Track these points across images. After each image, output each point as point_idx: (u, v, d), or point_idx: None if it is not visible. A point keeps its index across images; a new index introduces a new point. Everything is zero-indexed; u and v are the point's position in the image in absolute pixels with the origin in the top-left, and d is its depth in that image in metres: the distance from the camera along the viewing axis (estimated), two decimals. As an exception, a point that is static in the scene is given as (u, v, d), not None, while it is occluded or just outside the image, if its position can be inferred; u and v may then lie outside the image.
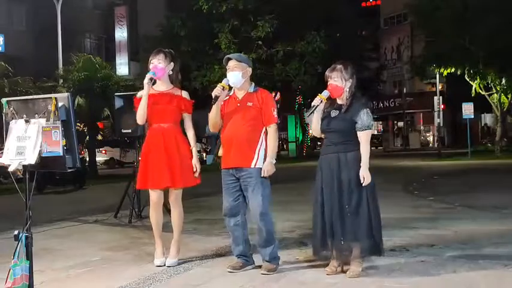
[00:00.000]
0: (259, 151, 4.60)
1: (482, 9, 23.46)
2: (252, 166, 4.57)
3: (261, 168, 4.58)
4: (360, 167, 4.36)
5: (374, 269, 4.57)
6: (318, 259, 4.65)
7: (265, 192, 4.59)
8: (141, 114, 4.89)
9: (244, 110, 4.62)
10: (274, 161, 4.59)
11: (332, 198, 4.39)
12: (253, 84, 4.77)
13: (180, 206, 4.99)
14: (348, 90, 4.50)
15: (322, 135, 4.66)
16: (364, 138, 4.42)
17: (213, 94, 4.60)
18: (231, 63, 4.68)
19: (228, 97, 4.72)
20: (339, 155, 4.41)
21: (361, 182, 4.33)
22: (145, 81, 4.82)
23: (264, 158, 4.61)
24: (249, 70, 4.74)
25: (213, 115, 4.73)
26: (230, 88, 4.70)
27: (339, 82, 4.47)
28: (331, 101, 4.55)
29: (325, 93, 4.46)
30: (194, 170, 4.93)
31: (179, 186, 4.92)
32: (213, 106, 4.67)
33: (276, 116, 4.68)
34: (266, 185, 4.61)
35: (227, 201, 4.71)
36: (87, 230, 7.50)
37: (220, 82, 4.69)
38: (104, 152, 28.04)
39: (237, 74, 4.63)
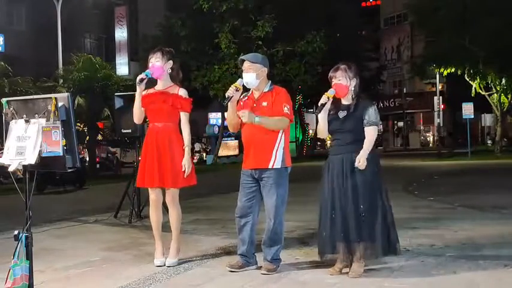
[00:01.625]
0: (276, 152, 4.59)
1: (482, 9, 23.46)
2: (270, 167, 4.57)
3: (279, 169, 4.58)
4: (372, 167, 4.39)
5: (374, 269, 4.57)
6: (324, 262, 4.63)
7: (281, 192, 4.60)
8: (136, 114, 4.97)
9: (260, 110, 4.59)
10: (257, 119, 4.47)
11: (346, 199, 4.37)
12: (269, 82, 4.75)
13: (177, 206, 4.97)
14: (352, 89, 4.50)
15: (328, 137, 4.65)
16: (370, 133, 4.41)
17: (226, 94, 4.60)
18: (245, 64, 4.67)
19: (246, 98, 4.73)
20: (353, 155, 4.39)
21: (357, 164, 4.32)
22: (136, 81, 4.83)
23: (281, 158, 4.61)
24: (265, 70, 4.70)
25: (229, 116, 4.73)
26: (248, 89, 4.71)
27: (344, 81, 4.46)
28: (336, 102, 4.53)
29: (331, 92, 4.45)
30: (183, 169, 4.84)
31: (168, 186, 4.89)
32: (228, 107, 4.66)
33: (287, 112, 4.59)
34: (283, 187, 4.62)
35: (240, 201, 4.72)
36: (87, 230, 7.50)
37: (232, 83, 4.69)
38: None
39: (250, 75, 4.62)
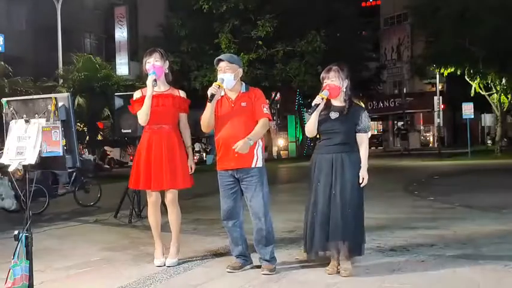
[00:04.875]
0: (257, 151, 4.60)
1: (482, 8, 23.45)
2: (253, 166, 4.57)
3: (261, 168, 4.60)
4: (359, 168, 4.44)
5: (374, 268, 4.58)
6: (310, 260, 4.67)
7: (265, 191, 4.61)
8: (145, 115, 4.84)
9: (239, 111, 4.60)
10: (251, 143, 4.50)
11: (334, 198, 4.40)
12: (244, 84, 4.76)
13: (177, 207, 4.99)
14: (344, 90, 4.56)
15: (316, 136, 4.68)
16: (365, 140, 4.54)
17: (209, 92, 4.55)
18: (223, 65, 4.65)
19: (219, 97, 4.68)
20: (342, 155, 4.44)
21: (361, 182, 4.40)
22: (150, 82, 4.77)
23: (262, 157, 4.63)
24: (240, 71, 4.72)
25: (208, 115, 4.66)
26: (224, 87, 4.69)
27: (337, 82, 4.52)
28: (327, 102, 4.58)
29: (325, 93, 4.50)
30: (189, 170, 4.93)
31: (180, 187, 4.93)
32: (208, 105, 4.62)
33: (267, 112, 4.66)
34: (265, 185, 4.63)
35: (226, 203, 4.71)
36: (87, 230, 7.50)
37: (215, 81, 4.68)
38: (103, 152, 27.99)
39: (229, 76, 4.60)
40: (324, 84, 4.55)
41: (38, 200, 9.24)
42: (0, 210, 8.92)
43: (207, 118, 4.67)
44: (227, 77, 4.60)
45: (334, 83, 4.51)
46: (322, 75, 4.59)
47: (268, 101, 4.81)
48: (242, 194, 4.68)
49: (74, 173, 10.26)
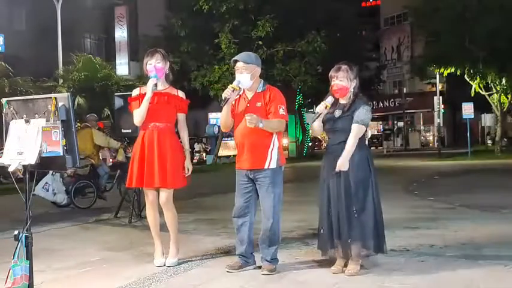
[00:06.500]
0: (271, 152, 4.58)
1: (482, 7, 23.48)
2: (266, 167, 4.56)
3: (275, 168, 4.58)
4: (365, 167, 4.40)
5: (374, 269, 4.57)
6: (326, 259, 4.66)
7: (277, 192, 4.60)
8: (141, 116, 4.85)
9: (253, 111, 4.54)
10: (261, 124, 4.42)
11: (338, 198, 4.40)
12: (262, 82, 4.73)
13: (172, 207, 4.96)
14: (352, 90, 4.52)
15: (322, 136, 4.69)
16: (354, 131, 4.38)
17: (223, 96, 4.56)
18: (239, 65, 4.63)
19: (238, 96, 4.69)
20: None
21: (335, 168, 4.34)
22: (150, 86, 4.78)
23: (276, 158, 4.60)
24: (258, 70, 4.69)
25: (224, 116, 4.71)
26: (240, 88, 4.67)
27: (345, 82, 4.48)
28: (335, 101, 4.57)
29: (329, 100, 4.47)
30: (186, 172, 4.90)
31: (168, 187, 4.88)
32: (224, 107, 4.64)
33: (283, 113, 4.60)
34: (278, 187, 4.62)
35: (238, 201, 4.71)
36: (87, 230, 7.49)
37: (231, 84, 4.65)
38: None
39: (245, 76, 4.58)
40: (332, 84, 4.52)
41: (87, 196, 9.79)
42: (51, 204, 9.31)
43: (223, 119, 4.74)
44: (243, 79, 4.58)
45: (342, 84, 4.47)
46: (331, 73, 4.54)
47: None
48: (258, 197, 4.68)
49: (118, 170, 10.31)
